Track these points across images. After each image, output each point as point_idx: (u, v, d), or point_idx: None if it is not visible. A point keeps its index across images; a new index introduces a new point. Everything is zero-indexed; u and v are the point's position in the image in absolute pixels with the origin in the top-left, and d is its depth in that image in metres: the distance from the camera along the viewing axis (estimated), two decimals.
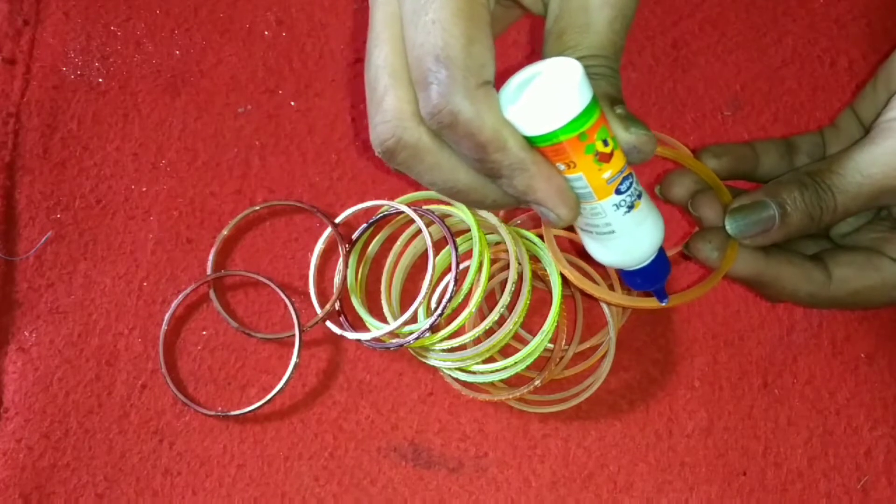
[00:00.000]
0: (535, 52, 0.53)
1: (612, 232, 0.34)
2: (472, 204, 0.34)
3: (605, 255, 0.36)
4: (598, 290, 0.39)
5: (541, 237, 0.45)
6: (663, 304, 0.39)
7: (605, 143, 0.31)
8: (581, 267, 0.46)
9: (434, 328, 0.43)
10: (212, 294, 0.47)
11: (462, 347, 0.44)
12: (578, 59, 0.32)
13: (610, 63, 0.33)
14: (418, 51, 0.30)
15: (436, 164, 0.32)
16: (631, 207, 0.33)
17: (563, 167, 0.32)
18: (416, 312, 0.44)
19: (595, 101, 0.31)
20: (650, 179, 0.50)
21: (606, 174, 0.32)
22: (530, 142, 0.31)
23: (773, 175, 0.43)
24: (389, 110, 0.32)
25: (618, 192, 0.33)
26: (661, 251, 0.37)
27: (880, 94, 0.42)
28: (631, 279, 0.37)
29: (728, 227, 0.38)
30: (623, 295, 0.39)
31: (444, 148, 0.32)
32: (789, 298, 0.40)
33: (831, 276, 0.39)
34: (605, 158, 0.31)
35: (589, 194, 0.33)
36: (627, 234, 0.34)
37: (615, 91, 0.33)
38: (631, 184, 0.33)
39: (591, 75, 0.32)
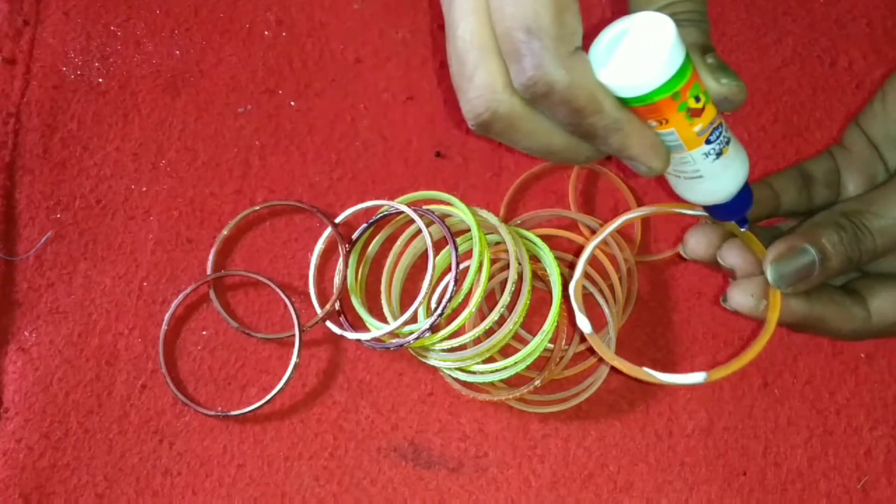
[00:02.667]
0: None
1: (701, 177, 0.35)
2: (566, 161, 0.35)
3: (692, 195, 0.37)
4: (651, 376, 0.38)
5: (570, 267, 0.42)
6: (700, 380, 0.38)
7: (698, 100, 0.32)
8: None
9: (434, 328, 0.43)
10: (212, 294, 0.47)
11: (462, 347, 0.44)
12: (667, 4, 0.32)
13: (698, 6, 0.33)
14: (508, 22, 0.31)
15: (531, 131, 0.33)
16: (720, 154, 0.34)
17: (654, 123, 0.32)
18: (416, 312, 0.44)
19: (688, 58, 0.31)
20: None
21: (698, 128, 0.33)
22: (623, 101, 0.32)
23: (793, 210, 0.42)
24: (482, 84, 0.32)
25: (708, 142, 0.33)
26: (746, 185, 0.37)
27: (891, 113, 0.41)
28: (714, 211, 0.38)
29: (769, 277, 0.38)
30: (678, 376, 0.38)
31: (537, 115, 0.33)
32: (832, 336, 0.40)
33: (870, 310, 0.39)
34: (696, 113, 0.32)
35: (679, 146, 0.33)
36: (714, 178, 0.35)
37: (705, 38, 0.33)
38: (720, 133, 0.33)
39: (680, 22, 0.32)
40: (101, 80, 0.54)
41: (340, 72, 0.54)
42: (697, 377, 0.38)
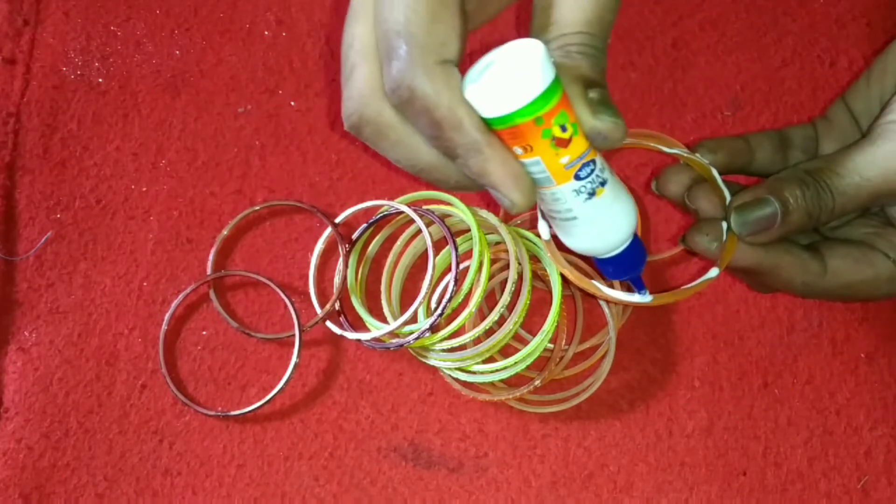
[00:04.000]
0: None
1: (575, 218, 0.34)
2: (436, 183, 0.34)
3: (570, 242, 0.36)
4: (597, 289, 0.39)
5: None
6: (648, 300, 0.39)
7: (563, 129, 0.31)
8: (580, 266, 0.46)
9: (434, 328, 0.43)
10: (212, 294, 0.47)
11: (462, 347, 0.44)
12: (561, 35, 0.32)
13: (594, 42, 0.33)
14: (383, 26, 0.31)
15: (398, 142, 0.33)
16: (592, 194, 0.33)
17: (520, 150, 0.31)
18: (416, 312, 0.44)
19: (556, 84, 0.30)
20: (646, 178, 0.50)
21: (564, 159, 0.32)
22: (488, 124, 0.31)
23: (767, 169, 0.43)
24: (356, 87, 0.33)
25: (577, 177, 0.32)
26: (636, 239, 0.36)
27: (873, 89, 0.42)
28: (603, 267, 0.37)
29: (732, 223, 0.39)
30: (623, 293, 0.39)
31: (406, 126, 0.32)
32: (783, 287, 0.40)
33: (826, 267, 0.40)
34: (562, 143, 0.31)
35: (547, 179, 0.32)
36: (590, 222, 0.34)
37: (594, 72, 0.32)
38: (592, 170, 0.32)
39: (570, 54, 0.32)
40: (101, 80, 0.54)
41: (340, 72, 0.54)
42: (642, 298, 0.39)
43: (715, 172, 0.40)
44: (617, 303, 0.43)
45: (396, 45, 0.30)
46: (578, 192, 0.33)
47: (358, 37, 0.33)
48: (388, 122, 0.32)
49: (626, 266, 0.37)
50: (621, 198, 0.34)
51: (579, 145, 0.32)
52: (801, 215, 0.38)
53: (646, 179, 0.50)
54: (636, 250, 0.37)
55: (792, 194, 0.38)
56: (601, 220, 0.34)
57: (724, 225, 0.39)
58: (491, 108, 0.31)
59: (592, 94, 0.32)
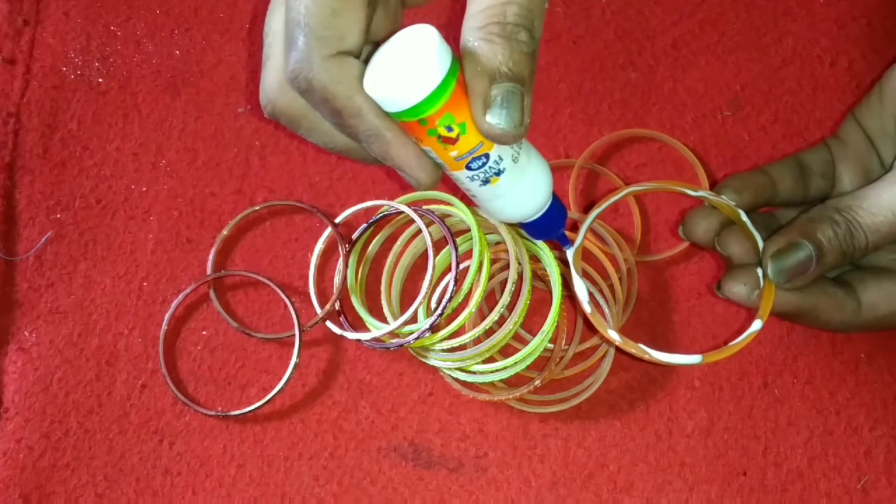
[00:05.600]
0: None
1: (475, 196, 0.35)
2: (359, 160, 0.35)
3: (483, 211, 0.37)
4: (644, 352, 0.39)
5: (565, 262, 0.43)
6: (697, 361, 0.38)
7: (450, 129, 0.31)
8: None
9: (434, 328, 0.43)
10: (212, 294, 0.47)
11: (462, 347, 0.44)
12: (482, 10, 0.30)
13: (521, 20, 0.31)
14: (288, 15, 0.32)
15: (312, 129, 0.34)
16: (487, 182, 0.33)
17: (414, 139, 0.33)
18: (416, 312, 0.44)
19: (448, 81, 0.30)
20: (645, 176, 0.50)
21: (453, 153, 0.32)
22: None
23: (790, 199, 0.43)
24: (269, 76, 0.34)
25: (468, 167, 0.33)
26: (552, 204, 0.36)
27: (887, 107, 0.41)
28: (526, 229, 0.38)
29: (769, 272, 0.38)
30: (674, 355, 0.39)
31: (315, 113, 0.33)
32: (821, 327, 0.41)
33: (860, 302, 0.40)
34: (449, 141, 0.32)
35: (442, 164, 0.33)
36: (491, 201, 0.35)
37: (509, 60, 0.30)
38: (485, 163, 0.33)
39: (486, 38, 0.30)
40: (101, 80, 0.54)
41: None
42: (693, 358, 0.38)
43: (744, 216, 0.40)
44: (668, 365, 0.42)
45: (296, 37, 0.31)
46: (472, 178, 0.34)
47: (273, 26, 0.34)
48: (300, 110, 0.34)
49: (543, 229, 0.38)
50: (525, 177, 0.34)
51: (469, 142, 0.32)
52: (835, 256, 0.38)
53: (645, 178, 0.50)
54: (552, 214, 0.37)
55: (825, 236, 0.38)
56: (502, 200, 0.35)
57: (760, 272, 0.39)
58: (382, 103, 0.31)
59: (495, 90, 0.30)
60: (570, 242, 0.39)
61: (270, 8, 0.34)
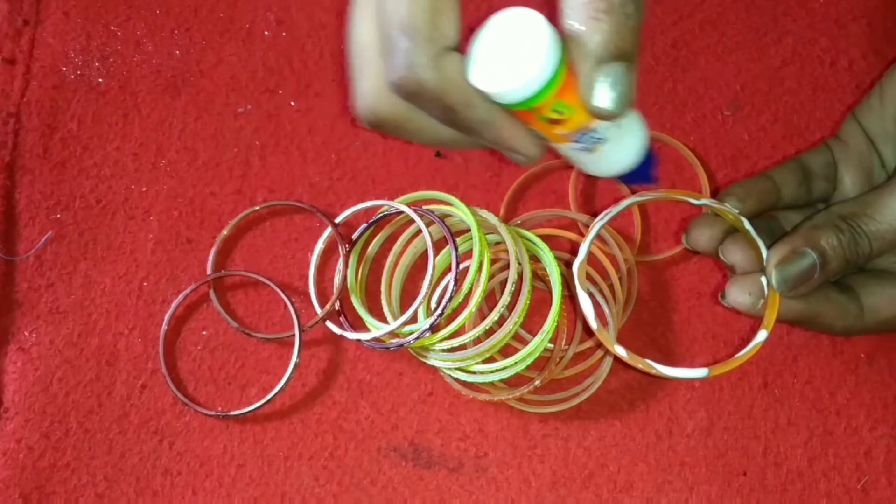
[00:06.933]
0: None
1: (576, 161, 0.36)
2: (462, 148, 0.36)
3: (583, 170, 0.37)
4: (651, 367, 0.39)
5: (568, 266, 0.43)
6: (703, 375, 0.38)
7: (559, 112, 0.32)
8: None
9: (434, 328, 0.43)
10: (212, 294, 0.47)
11: (462, 347, 0.44)
12: None
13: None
14: (386, 21, 0.31)
15: (418, 129, 0.34)
16: (590, 150, 0.34)
17: (522, 121, 0.34)
18: (416, 312, 0.44)
19: (558, 72, 0.31)
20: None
21: (561, 132, 0.33)
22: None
23: (793, 203, 0.43)
24: (366, 88, 0.34)
25: (575, 141, 0.34)
26: (646, 158, 0.37)
27: (888, 108, 0.41)
28: (622, 178, 0.39)
29: (774, 281, 0.38)
30: (681, 370, 0.39)
31: (419, 113, 0.33)
32: (824, 331, 0.41)
33: (863, 307, 0.40)
34: (557, 122, 0.33)
35: (546, 139, 0.35)
36: (590, 164, 0.36)
37: (615, 39, 0.30)
38: (590, 135, 0.34)
39: (593, 16, 0.30)
40: (101, 80, 0.54)
41: (340, 72, 0.54)
42: (699, 372, 0.38)
43: (747, 224, 0.40)
44: (674, 379, 0.42)
45: (398, 42, 0.31)
46: (577, 149, 0.35)
47: (363, 35, 0.33)
48: (404, 114, 0.34)
49: (635, 178, 0.38)
50: (625, 137, 0.35)
51: (577, 120, 0.33)
52: (839, 263, 0.38)
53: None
54: (647, 161, 0.37)
55: (829, 243, 0.38)
56: (605, 161, 0.36)
57: (764, 280, 0.39)
58: (494, 96, 0.32)
59: (605, 72, 0.30)
60: (656, 181, 0.39)
61: (353, 22, 0.34)
